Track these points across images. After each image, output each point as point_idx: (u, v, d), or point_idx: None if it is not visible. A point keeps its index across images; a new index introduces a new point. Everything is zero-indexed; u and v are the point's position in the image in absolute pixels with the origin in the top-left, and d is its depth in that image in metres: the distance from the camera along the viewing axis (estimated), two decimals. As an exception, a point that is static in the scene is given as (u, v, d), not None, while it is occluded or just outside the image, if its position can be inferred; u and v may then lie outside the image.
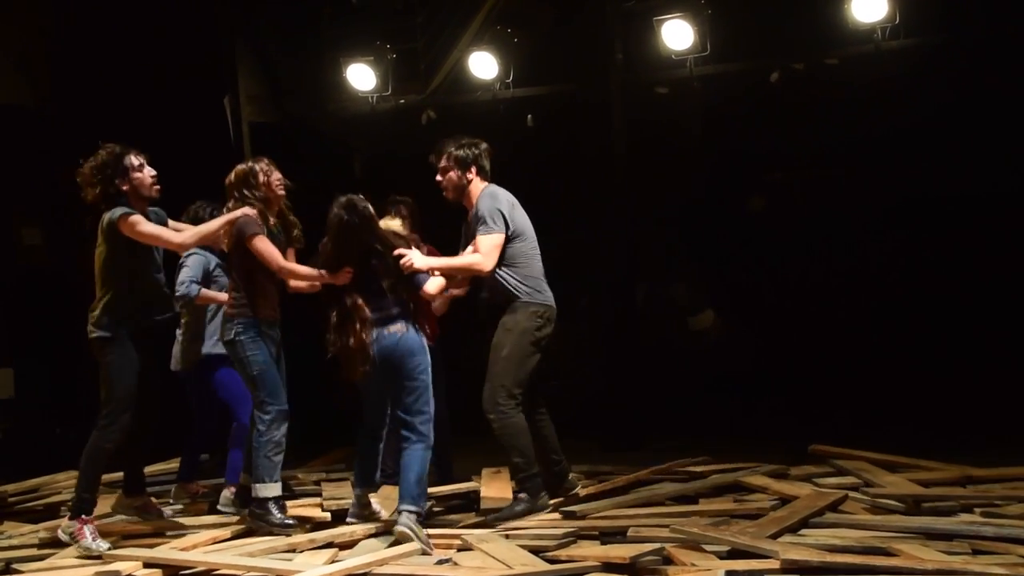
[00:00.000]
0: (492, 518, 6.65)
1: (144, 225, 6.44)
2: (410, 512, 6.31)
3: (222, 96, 10.44)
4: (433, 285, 6.69)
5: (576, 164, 9.97)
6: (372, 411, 6.77)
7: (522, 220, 6.85)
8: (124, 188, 6.51)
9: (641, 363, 9.65)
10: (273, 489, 6.76)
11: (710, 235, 10.25)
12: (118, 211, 6.43)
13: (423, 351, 6.58)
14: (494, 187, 6.88)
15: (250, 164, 6.99)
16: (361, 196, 6.58)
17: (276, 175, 6.98)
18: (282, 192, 7.00)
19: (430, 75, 10.39)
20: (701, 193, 10.17)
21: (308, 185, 9.96)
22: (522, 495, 6.70)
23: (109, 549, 6.40)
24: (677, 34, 9.35)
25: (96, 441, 6.50)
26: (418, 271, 6.56)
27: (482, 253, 6.71)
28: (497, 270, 6.78)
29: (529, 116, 10.23)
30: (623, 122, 9.84)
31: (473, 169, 6.85)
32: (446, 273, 6.76)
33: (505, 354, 6.71)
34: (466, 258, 6.78)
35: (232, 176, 6.97)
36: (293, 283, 6.96)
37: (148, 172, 6.63)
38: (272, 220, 6.89)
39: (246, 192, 6.89)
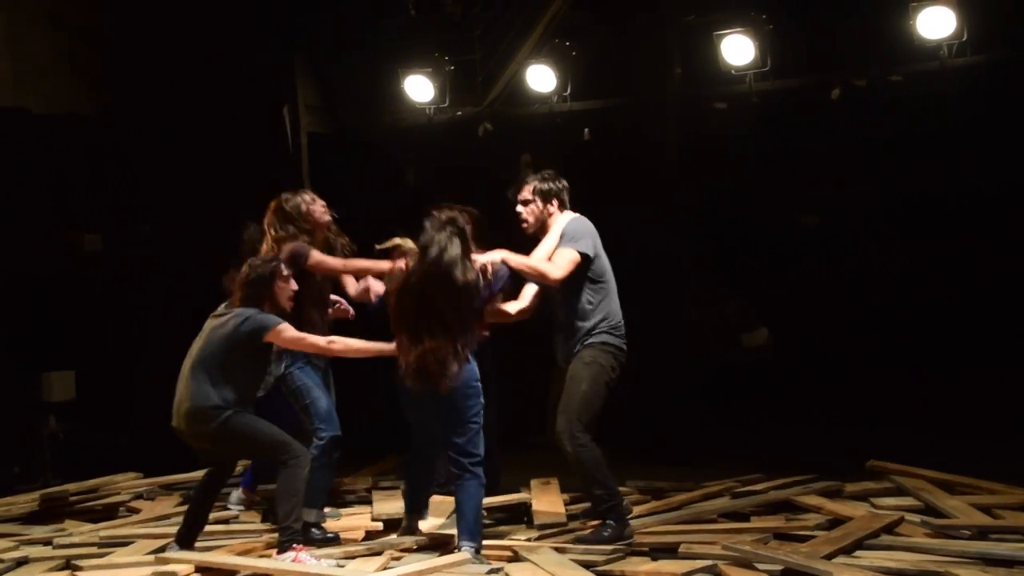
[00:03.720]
0: (577, 540, 6.64)
1: (290, 332, 6.40)
2: (470, 548, 6.23)
3: (281, 106, 10.53)
4: (515, 307, 6.70)
5: (632, 178, 9.96)
6: (422, 436, 6.74)
7: (604, 257, 6.86)
8: (264, 298, 6.43)
9: (693, 378, 9.62)
10: (313, 515, 6.82)
11: (764, 251, 10.20)
12: (266, 321, 6.35)
13: (479, 393, 6.45)
14: (581, 216, 6.90)
15: (289, 197, 7.07)
16: (457, 214, 6.44)
17: (319, 204, 7.11)
18: (327, 219, 7.13)
19: (487, 87, 10.41)
20: (756, 208, 10.13)
21: (363, 196, 10.09)
22: (609, 522, 6.65)
23: (339, 565, 6.27)
24: (737, 49, 9.32)
25: (291, 476, 6.32)
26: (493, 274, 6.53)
27: (556, 262, 6.69)
28: (575, 308, 6.75)
29: (586, 129, 10.23)
30: (679, 136, 9.82)
31: (555, 202, 6.89)
32: (516, 268, 6.69)
33: (584, 388, 6.68)
34: (539, 261, 6.73)
35: (274, 206, 7.07)
36: (353, 290, 7.07)
37: (292, 286, 6.55)
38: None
39: (289, 225, 7.00)
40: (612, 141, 10.18)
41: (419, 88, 10.33)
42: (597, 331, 6.75)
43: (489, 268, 6.54)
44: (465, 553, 6.18)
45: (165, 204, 10.30)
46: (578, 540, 6.64)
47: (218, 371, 6.34)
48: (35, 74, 9.86)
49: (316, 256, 6.95)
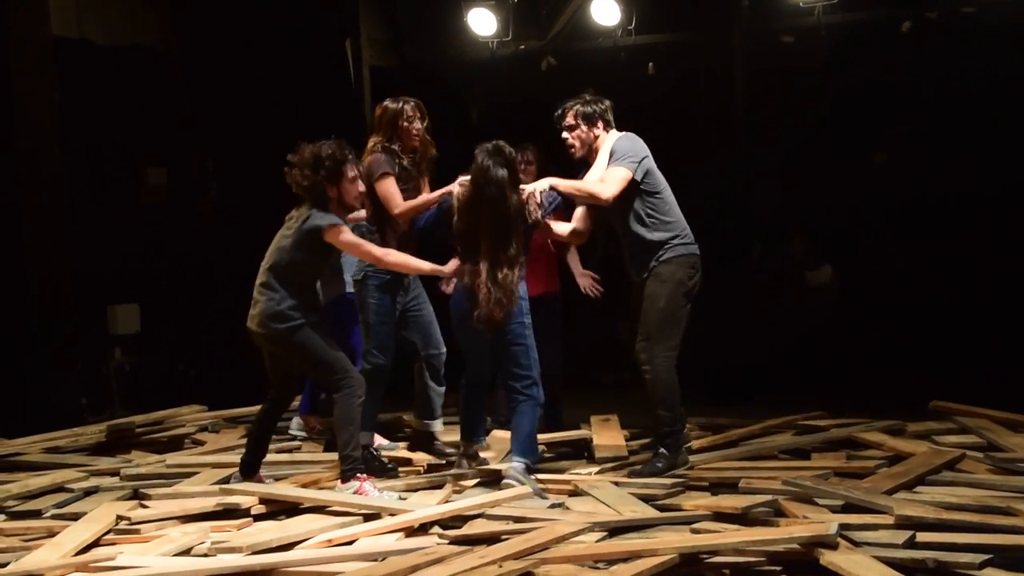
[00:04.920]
0: (632, 473, 6.65)
1: (347, 235, 6.44)
2: (519, 462, 6.34)
3: (344, 39, 10.51)
4: (565, 229, 6.75)
5: (696, 113, 9.86)
6: (476, 363, 6.77)
7: (658, 171, 6.83)
8: (331, 194, 6.45)
9: (756, 317, 9.56)
10: (365, 437, 6.87)
11: (830, 189, 10.07)
12: (325, 219, 6.39)
13: (526, 312, 6.55)
14: (628, 133, 6.87)
15: (397, 105, 7.05)
16: (505, 143, 6.56)
17: (416, 126, 7.06)
18: (415, 144, 7.09)
19: (551, 21, 10.34)
20: (822, 144, 9.99)
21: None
22: (663, 451, 6.68)
23: (401, 497, 6.31)
24: (807, -19, 9.16)
25: (346, 404, 6.40)
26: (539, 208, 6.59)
27: (606, 181, 6.65)
28: (639, 225, 6.74)
29: (650, 64, 10.11)
30: (745, 71, 9.70)
31: (600, 124, 6.85)
32: (566, 192, 6.71)
33: (662, 306, 6.68)
34: (589, 183, 6.72)
35: (378, 112, 7.11)
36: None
37: (358, 186, 6.56)
38: (405, 160, 7.04)
39: (391, 132, 7.03)
40: (677, 76, 10.06)
41: (482, 21, 10.26)
42: (670, 244, 6.73)
43: (537, 195, 6.57)
44: (515, 472, 6.25)
45: (228, 138, 10.35)
46: (632, 473, 6.65)
47: (286, 272, 6.40)
48: (98, 5, 9.87)
49: (385, 185, 6.90)
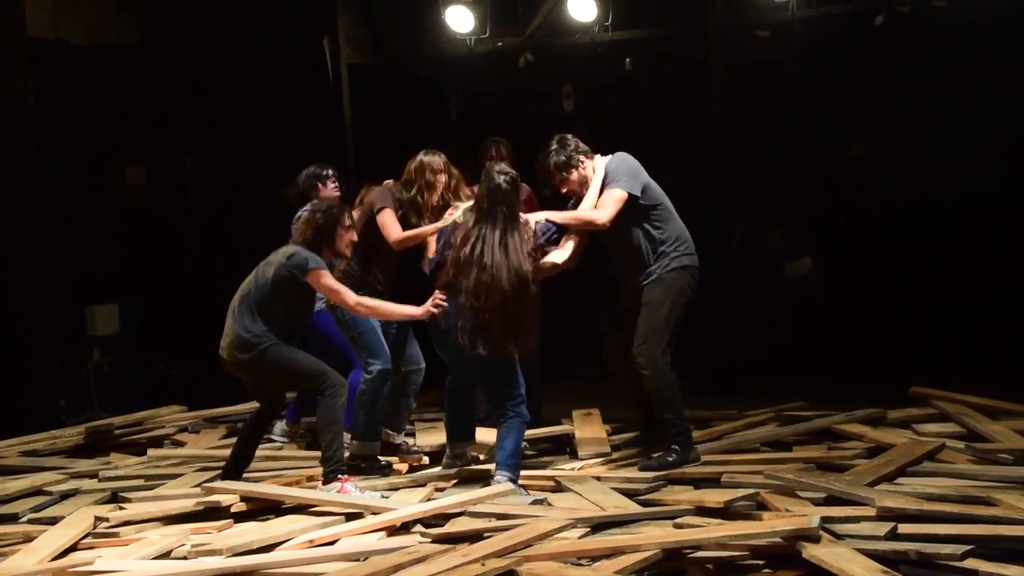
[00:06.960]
0: (643, 467, 6.65)
1: (328, 279, 6.46)
2: (503, 477, 6.28)
3: (321, 37, 10.47)
4: (561, 256, 6.71)
5: (674, 108, 9.86)
6: (459, 371, 6.76)
7: (654, 184, 6.87)
8: (323, 243, 6.49)
9: (736, 308, 9.58)
10: (369, 448, 6.96)
11: (807, 180, 10.12)
12: (310, 260, 6.41)
13: None
14: (619, 153, 6.90)
15: (429, 159, 7.15)
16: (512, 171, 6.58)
17: (441, 178, 7.15)
18: (432, 203, 7.15)
19: (528, 17, 10.33)
20: (799, 137, 10.02)
21: (405, 128, 10.03)
22: (675, 447, 6.70)
23: (383, 496, 6.32)
24: (781, -25, 9.17)
25: (328, 406, 6.41)
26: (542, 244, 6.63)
27: (601, 206, 6.71)
28: (644, 238, 6.78)
29: (627, 59, 10.12)
30: (721, 65, 9.71)
31: (580, 159, 6.86)
32: (562, 223, 6.76)
33: (666, 311, 6.74)
34: (583, 210, 6.77)
35: (414, 164, 7.18)
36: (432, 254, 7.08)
37: (352, 235, 6.62)
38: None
39: (418, 181, 7.15)
40: (654, 71, 10.08)
41: (460, 18, 10.23)
42: (675, 254, 6.80)
43: (532, 226, 6.56)
44: (503, 484, 6.21)
45: (207, 136, 10.31)
46: (644, 467, 6.65)
47: (261, 304, 6.42)
48: (74, 6, 9.81)
49: (385, 216, 7.06)
